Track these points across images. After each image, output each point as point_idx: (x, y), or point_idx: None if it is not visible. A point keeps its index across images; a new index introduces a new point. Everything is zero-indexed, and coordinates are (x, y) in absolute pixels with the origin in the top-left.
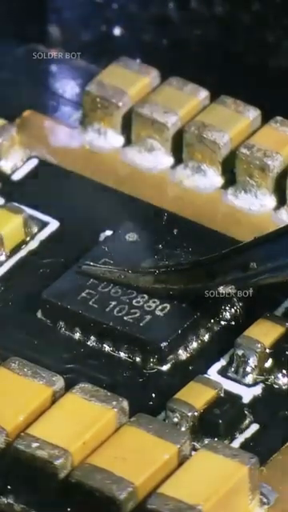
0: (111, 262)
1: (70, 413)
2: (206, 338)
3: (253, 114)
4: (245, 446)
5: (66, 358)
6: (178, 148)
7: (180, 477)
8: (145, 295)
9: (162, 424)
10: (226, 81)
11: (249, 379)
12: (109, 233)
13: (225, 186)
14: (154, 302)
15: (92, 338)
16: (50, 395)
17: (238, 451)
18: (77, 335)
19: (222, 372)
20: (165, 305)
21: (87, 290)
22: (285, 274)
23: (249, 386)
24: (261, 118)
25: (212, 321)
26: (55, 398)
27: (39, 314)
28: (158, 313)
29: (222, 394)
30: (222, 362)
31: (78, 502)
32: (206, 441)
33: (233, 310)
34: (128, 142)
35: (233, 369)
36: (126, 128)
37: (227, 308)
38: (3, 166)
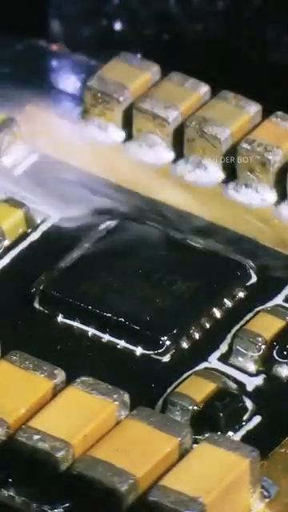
0: None
1: (71, 405)
2: (207, 326)
3: (253, 108)
4: (246, 439)
5: (65, 349)
6: (179, 143)
7: (181, 469)
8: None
9: (163, 417)
10: (227, 76)
11: (250, 372)
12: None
13: (226, 181)
14: (156, 293)
15: (92, 329)
16: (52, 388)
17: (239, 444)
18: (76, 326)
19: (223, 361)
20: (166, 295)
21: (87, 282)
22: None
23: (250, 378)
24: (261, 112)
25: (214, 308)
26: (56, 391)
27: (37, 306)
28: (159, 303)
29: (223, 388)
30: (222, 351)
31: (79, 494)
32: (207, 434)
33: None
34: (129, 136)
35: (234, 361)
36: (127, 123)
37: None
38: (5, 160)
